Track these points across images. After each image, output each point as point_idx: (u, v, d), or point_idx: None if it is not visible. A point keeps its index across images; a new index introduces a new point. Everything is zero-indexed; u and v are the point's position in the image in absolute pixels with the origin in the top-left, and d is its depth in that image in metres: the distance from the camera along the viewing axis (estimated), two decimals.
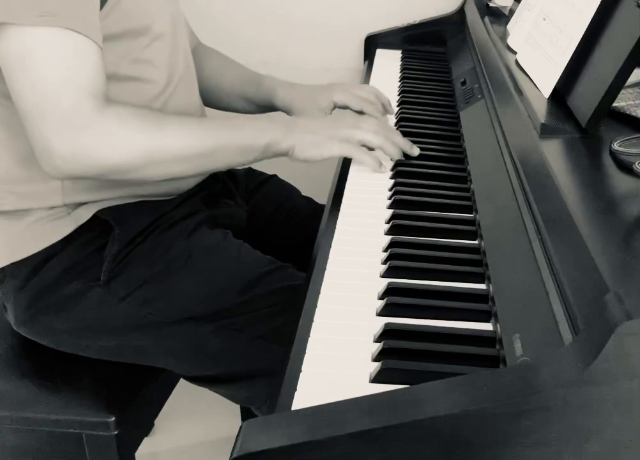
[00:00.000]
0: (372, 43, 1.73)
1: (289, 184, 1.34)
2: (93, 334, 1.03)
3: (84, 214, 0.99)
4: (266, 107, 1.29)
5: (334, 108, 1.26)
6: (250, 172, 1.30)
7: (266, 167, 1.28)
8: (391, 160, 1.09)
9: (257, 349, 1.00)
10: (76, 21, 0.86)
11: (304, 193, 1.35)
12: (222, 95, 1.30)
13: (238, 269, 1.02)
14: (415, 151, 1.10)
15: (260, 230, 1.23)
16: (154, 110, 0.99)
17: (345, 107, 1.26)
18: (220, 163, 1.00)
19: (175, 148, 0.94)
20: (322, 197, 1.27)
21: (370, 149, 1.08)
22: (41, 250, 1.00)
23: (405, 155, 1.12)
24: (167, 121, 0.96)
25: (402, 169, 1.08)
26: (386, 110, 1.28)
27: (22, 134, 0.90)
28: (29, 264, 1.00)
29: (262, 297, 1.00)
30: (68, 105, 0.86)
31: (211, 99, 1.30)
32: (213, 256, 1.03)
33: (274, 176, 1.33)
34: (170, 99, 1.04)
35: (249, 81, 1.29)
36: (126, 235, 1.00)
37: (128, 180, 0.96)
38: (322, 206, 1.30)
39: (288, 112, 1.26)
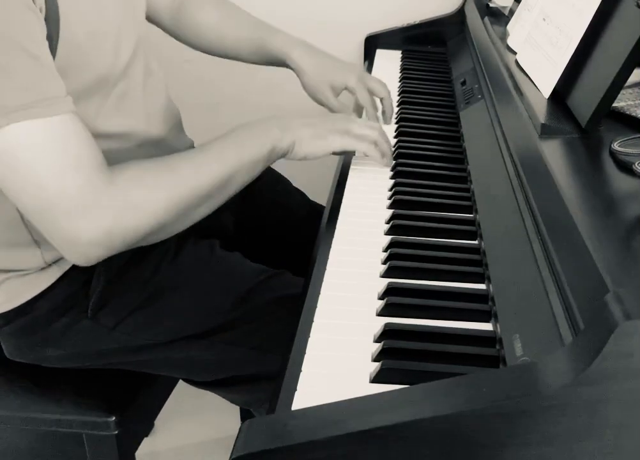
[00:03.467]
0: (372, 43, 1.73)
1: (281, 175, 1.29)
2: (88, 359, 1.02)
3: (69, 262, 0.95)
4: (277, 63, 1.22)
5: (340, 92, 1.21)
6: None
7: None
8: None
9: (253, 358, 0.99)
10: (43, 106, 0.77)
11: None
12: (226, 48, 1.24)
13: (227, 285, 0.99)
14: (389, 162, 1.08)
15: (254, 230, 1.22)
16: (156, 158, 0.92)
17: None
18: (237, 185, 0.94)
19: (195, 191, 0.88)
20: (320, 196, 1.27)
21: None
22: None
23: (405, 155, 1.12)
24: (176, 165, 0.89)
25: (402, 169, 1.08)
26: (384, 115, 1.25)
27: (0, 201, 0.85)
28: (17, 307, 0.97)
29: (254, 310, 0.98)
30: (76, 190, 0.79)
31: (213, 51, 1.25)
32: (201, 275, 1.00)
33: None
34: (151, 130, 1.00)
35: (260, 31, 1.22)
36: (111, 269, 0.96)
37: (158, 239, 0.90)
38: (316, 205, 1.29)
39: (299, 73, 1.20)
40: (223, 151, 0.93)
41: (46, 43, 0.79)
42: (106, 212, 0.81)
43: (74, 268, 0.96)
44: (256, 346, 0.99)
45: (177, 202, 0.86)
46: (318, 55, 1.20)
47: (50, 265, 0.95)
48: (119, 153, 0.93)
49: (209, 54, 1.27)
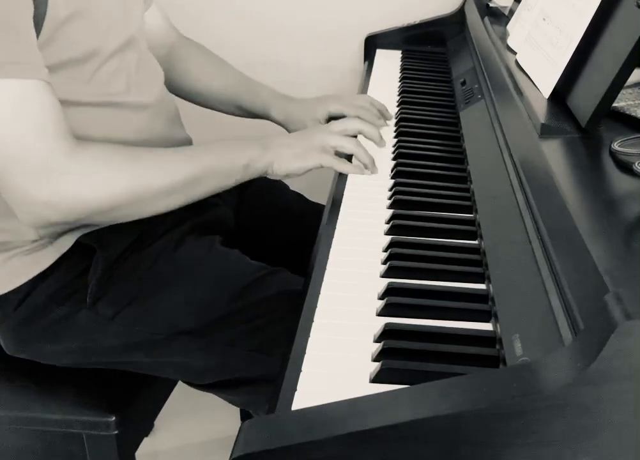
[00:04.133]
0: (372, 43, 1.73)
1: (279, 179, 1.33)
2: (86, 354, 1.02)
3: (66, 243, 0.97)
4: (259, 117, 1.29)
5: (329, 119, 1.25)
6: None
7: None
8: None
9: (251, 361, 0.99)
10: (14, 69, 0.81)
11: (300, 192, 1.34)
12: (211, 98, 1.29)
13: (225, 281, 1.00)
14: (382, 143, 1.12)
15: (252, 230, 1.22)
16: (129, 144, 0.96)
17: (340, 116, 1.25)
18: (203, 191, 0.97)
19: (157, 182, 0.91)
20: (318, 195, 1.27)
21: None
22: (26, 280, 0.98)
23: (405, 155, 1.12)
24: (145, 155, 0.93)
25: (402, 169, 1.08)
26: (382, 115, 1.25)
27: None
28: (14, 294, 0.98)
29: (252, 307, 0.98)
30: (40, 153, 0.84)
31: (198, 101, 1.30)
32: (199, 269, 1.01)
33: None
34: (151, 124, 1.02)
35: (244, 88, 1.28)
36: (109, 256, 0.98)
37: (112, 220, 0.94)
38: (313, 204, 1.30)
39: (284, 124, 1.26)
40: (195, 154, 0.98)
41: (31, 19, 0.83)
42: (62, 177, 0.85)
43: (72, 252, 0.97)
44: (255, 348, 0.99)
45: (135, 189, 0.90)
46: (294, 101, 1.27)
47: (46, 246, 0.97)
48: (108, 122, 0.97)
49: (190, 101, 1.31)
